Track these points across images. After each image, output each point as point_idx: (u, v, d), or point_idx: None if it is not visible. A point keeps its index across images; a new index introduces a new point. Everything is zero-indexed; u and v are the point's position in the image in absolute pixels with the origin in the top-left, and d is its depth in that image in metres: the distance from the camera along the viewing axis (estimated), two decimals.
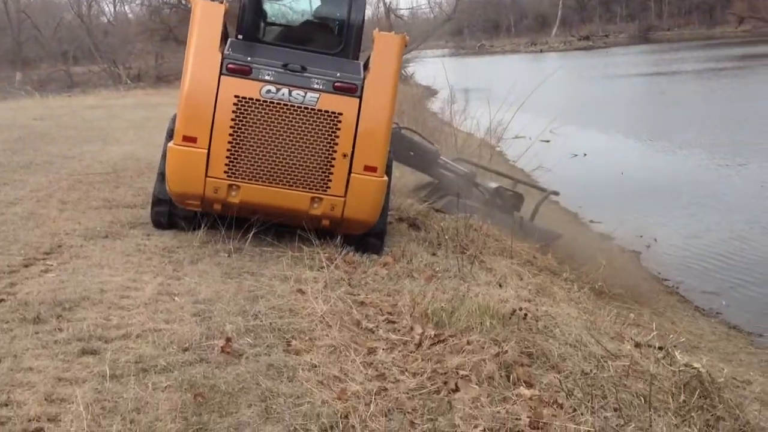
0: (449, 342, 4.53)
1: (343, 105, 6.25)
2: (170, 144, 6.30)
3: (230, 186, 6.26)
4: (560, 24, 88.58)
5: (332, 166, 6.29)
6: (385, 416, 3.65)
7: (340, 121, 6.25)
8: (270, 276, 5.77)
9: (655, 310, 7.94)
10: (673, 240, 11.00)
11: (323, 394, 3.79)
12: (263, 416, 3.58)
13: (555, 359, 4.45)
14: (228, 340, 4.31)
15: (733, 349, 7.21)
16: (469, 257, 7.04)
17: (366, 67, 6.47)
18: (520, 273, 7.18)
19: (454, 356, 4.31)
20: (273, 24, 7.85)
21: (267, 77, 6.18)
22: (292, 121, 6.22)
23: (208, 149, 6.17)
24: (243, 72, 6.18)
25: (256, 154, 6.22)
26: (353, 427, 3.51)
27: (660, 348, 5.09)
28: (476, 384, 3.99)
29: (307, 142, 6.25)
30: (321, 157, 6.27)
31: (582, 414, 3.72)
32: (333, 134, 6.26)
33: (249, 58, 6.23)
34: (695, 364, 4.55)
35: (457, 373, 4.08)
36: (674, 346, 5.14)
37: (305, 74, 6.23)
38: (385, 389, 3.92)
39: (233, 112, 6.16)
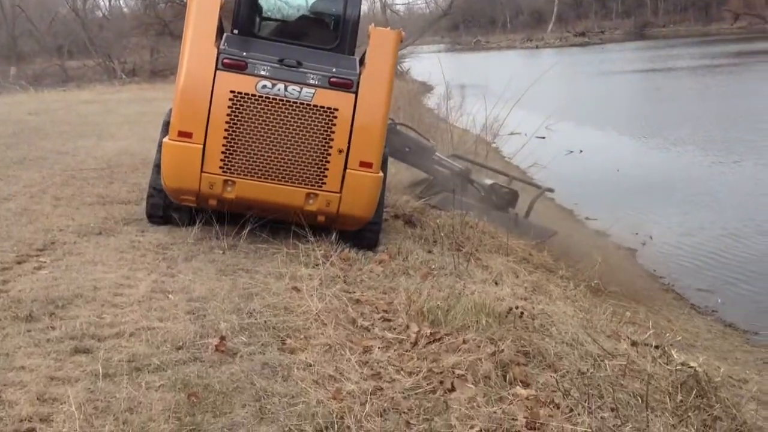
0: (445, 341, 4.50)
1: (339, 100, 6.22)
2: (165, 139, 6.27)
3: (225, 182, 6.23)
4: (556, 20, 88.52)
5: (328, 161, 6.26)
6: (381, 416, 3.62)
7: (335, 117, 6.22)
8: (265, 273, 5.74)
9: (651, 308, 7.92)
10: (668, 237, 10.98)
11: (318, 394, 3.75)
12: (257, 416, 3.54)
13: (551, 358, 4.42)
14: (222, 338, 4.27)
15: (729, 348, 7.20)
16: (465, 254, 7.01)
17: (362, 62, 6.44)
18: (516, 270, 7.17)
19: (450, 355, 4.28)
20: (268, 19, 7.82)
21: (263, 72, 6.15)
22: (287, 117, 6.19)
23: (204, 145, 6.14)
24: (238, 67, 6.15)
25: (251, 150, 6.19)
26: (348, 427, 3.48)
27: (656, 347, 5.06)
28: (472, 383, 3.97)
29: (303, 137, 6.22)
30: (316, 152, 6.25)
31: (579, 414, 3.69)
32: (328, 130, 6.23)
33: (244, 53, 6.20)
34: (692, 363, 4.53)
35: (453, 373, 4.06)
36: (671, 345, 5.11)
37: (301, 69, 6.21)
38: (381, 389, 3.89)
39: (229, 107, 6.13)
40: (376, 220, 6.82)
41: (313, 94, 6.19)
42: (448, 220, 8.28)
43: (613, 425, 3.72)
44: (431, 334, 4.60)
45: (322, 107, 6.21)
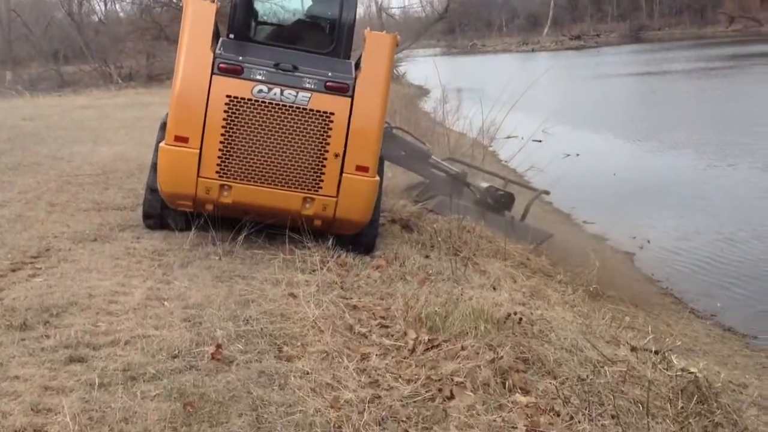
0: (443, 347, 4.46)
1: (335, 104, 6.22)
2: (162, 144, 6.25)
3: (222, 186, 6.22)
4: (552, 23, 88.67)
5: (324, 166, 6.25)
6: (379, 425, 3.58)
7: (331, 121, 6.22)
8: (261, 279, 5.70)
9: (650, 313, 7.89)
10: (665, 241, 10.95)
11: (316, 403, 3.71)
12: (254, 426, 3.50)
13: (551, 365, 4.39)
14: (218, 346, 4.23)
15: (728, 352, 7.17)
16: (463, 259, 6.98)
17: (357, 66, 6.42)
18: (514, 275, 7.14)
19: (448, 362, 4.25)
20: (264, 23, 7.80)
21: (259, 77, 6.15)
22: (283, 121, 6.17)
23: (200, 149, 6.12)
24: (234, 71, 6.13)
25: (247, 154, 6.18)
26: None
27: (656, 352, 5.03)
28: (471, 391, 3.93)
29: (299, 141, 6.21)
30: (313, 157, 6.23)
31: (579, 422, 3.66)
32: (325, 134, 6.22)
33: (240, 58, 6.19)
34: (692, 369, 4.50)
35: (452, 380, 4.02)
36: (670, 350, 5.08)
37: (297, 74, 6.20)
38: (379, 397, 3.85)
39: (225, 111, 6.12)
40: (373, 224, 6.80)
41: (309, 98, 6.18)
42: (445, 225, 8.25)
43: None
44: (429, 340, 4.57)
45: (318, 111, 6.20)
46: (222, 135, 6.13)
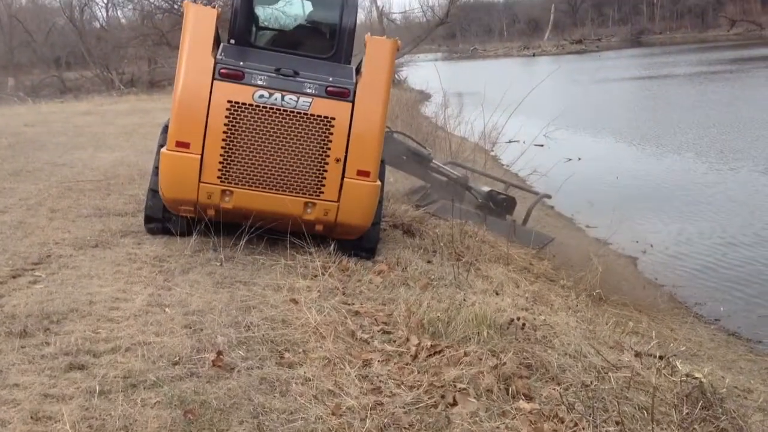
0: (446, 353, 4.43)
1: (336, 109, 6.20)
2: (163, 149, 6.24)
3: (223, 191, 6.21)
4: (553, 28, 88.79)
5: (325, 170, 6.24)
6: None
7: (332, 126, 6.20)
8: (263, 285, 5.67)
9: (654, 317, 7.84)
10: (668, 245, 10.92)
11: (317, 410, 3.68)
12: None
13: (554, 371, 4.36)
14: (219, 353, 4.19)
15: (732, 357, 7.12)
16: (465, 264, 6.95)
17: (358, 71, 6.41)
18: (516, 280, 7.10)
19: (451, 368, 4.21)
20: (265, 29, 7.79)
21: (260, 82, 6.13)
22: (284, 126, 6.16)
23: (201, 154, 6.11)
24: (236, 77, 6.13)
25: (249, 159, 6.17)
26: None
27: (660, 357, 5.00)
28: (474, 397, 3.90)
29: (300, 146, 6.19)
30: (314, 161, 6.22)
31: (584, 429, 3.62)
32: (326, 139, 6.20)
33: (241, 63, 6.18)
34: (697, 374, 4.46)
35: (455, 386, 3.99)
36: (675, 356, 5.05)
37: (298, 79, 6.19)
38: (381, 404, 3.82)
39: (226, 117, 6.11)
40: (375, 229, 6.78)
41: (310, 103, 6.17)
42: (448, 230, 8.21)
43: None
44: (432, 346, 4.54)
45: (319, 116, 6.18)
46: (223, 140, 6.12)
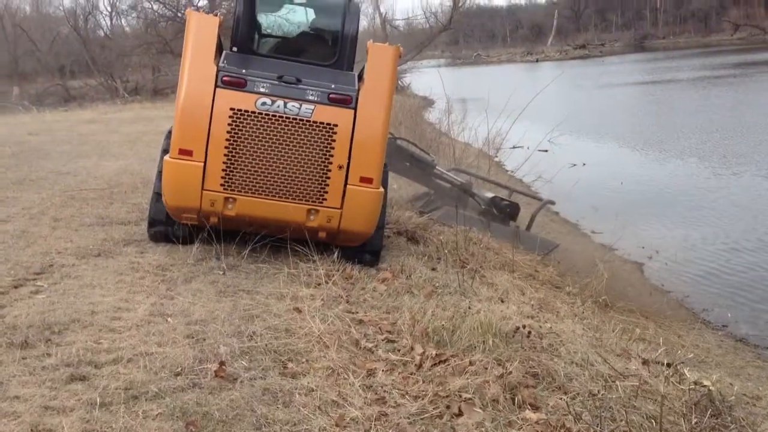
0: (451, 362, 4.38)
1: (338, 116, 6.18)
2: (166, 157, 6.22)
3: (226, 199, 6.19)
4: (556, 33, 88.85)
5: (328, 177, 6.22)
6: None
7: (335, 133, 6.18)
8: (266, 294, 5.63)
9: (661, 324, 7.77)
10: (674, 251, 10.84)
11: (321, 421, 3.64)
12: None
13: (561, 380, 4.31)
14: (222, 363, 4.15)
15: (740, 363, 7.05)
16: (470, 271, 6.90)
17: (360, 78, 6.39)
18: (522, 287, 7.05)
19: (456, 378, 4.17)
20: (267, 36, 7.77)
21: (262, 89, 6.12)
22: (287, 133, 6.14)
23: (204, 162, 6.09)
24: (238, 84, 6.11)
25: (252, 167, 6.15)
26: None
27: (668, 365, 4.94)
28: (480, 408, 3.85)
29: (303, 153, 6.17)
30: (317, 168, 6.20)
31: None
32: (328, 146, 6.18)
33: (244, 71, 6.17)
34: (705, 382, 4.41)
35: (460, 397, 3.94)
36: (682, 363, 4.98)
37: (300, 86, 6.17)
38: (386, 414, 3.77)
39: (229, 124, 6.10)
40: (378, 236, 6.75)
41: (313, 110, 6.15)
42: (452, 237, 8.16)
43: None
44: (436, 355, 4.49)
45: (322, 123, 6.16)
46: (226, 148, 6.10)
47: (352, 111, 6.20)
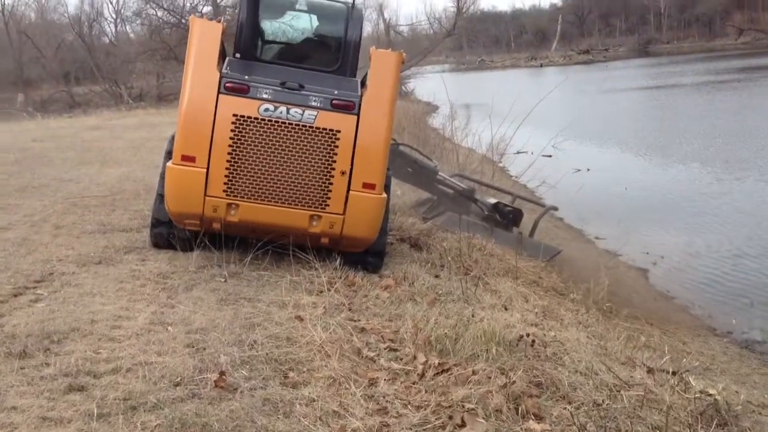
0: (454, 371, 4.33)
1: (341, 122, 6.17)
2: (169, 163, 6.21)
3: (229, 205, 6.17)
4: (560, 38, 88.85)
5: (331, 183, 6.20)
6: None
7: (338, 139, 6.16)
8: (268, 302, 5.58)
9: (666, 331, 7.71)
10: (679, 257, 10.79)
11: None
12: None
13: (565, 389, 4.25)
14: (222, 373, 4.10)
15: (746, 371, 6.98)
16: (473, 279, 6.85)
17: (363, 84, 6.36)
18: (525, 294, 7.00)
19: (459, 387, 4.11)
20: (270, 42, 7.74)
21: (265, 95, 6.11)
22: (290, 139, 6.12)
23: (207, 168, 6.07)
24: (241, 90, 6.10)
25: (254, 173, 6.13)
26: None
27: (674, 373, 4.88)
28: (483, 418, 3.79)
29: (306, 159, 6.15)
30: (319, 174, 6.18)
31: None
32: (331, 152, 6.16)
33: (247, 77, 6.15)
34: (711, 391, 4.36)
35: (463, 407, 3.88)
36: (688, 372, 4.93)
37: (303, 92, 6.15)
38: (387, 425, 3.72)
39: (232, 130, 6.08)
40: (381, 243, 6.72)
41: (316, 116, 6.13)
42: (455, 244, 8.12)
43: None
44: (439, 364, 4.44)
45: (325, 129, 6.14)
46: (229, 154, 6.09)
47: (355, 117, 6.18)
